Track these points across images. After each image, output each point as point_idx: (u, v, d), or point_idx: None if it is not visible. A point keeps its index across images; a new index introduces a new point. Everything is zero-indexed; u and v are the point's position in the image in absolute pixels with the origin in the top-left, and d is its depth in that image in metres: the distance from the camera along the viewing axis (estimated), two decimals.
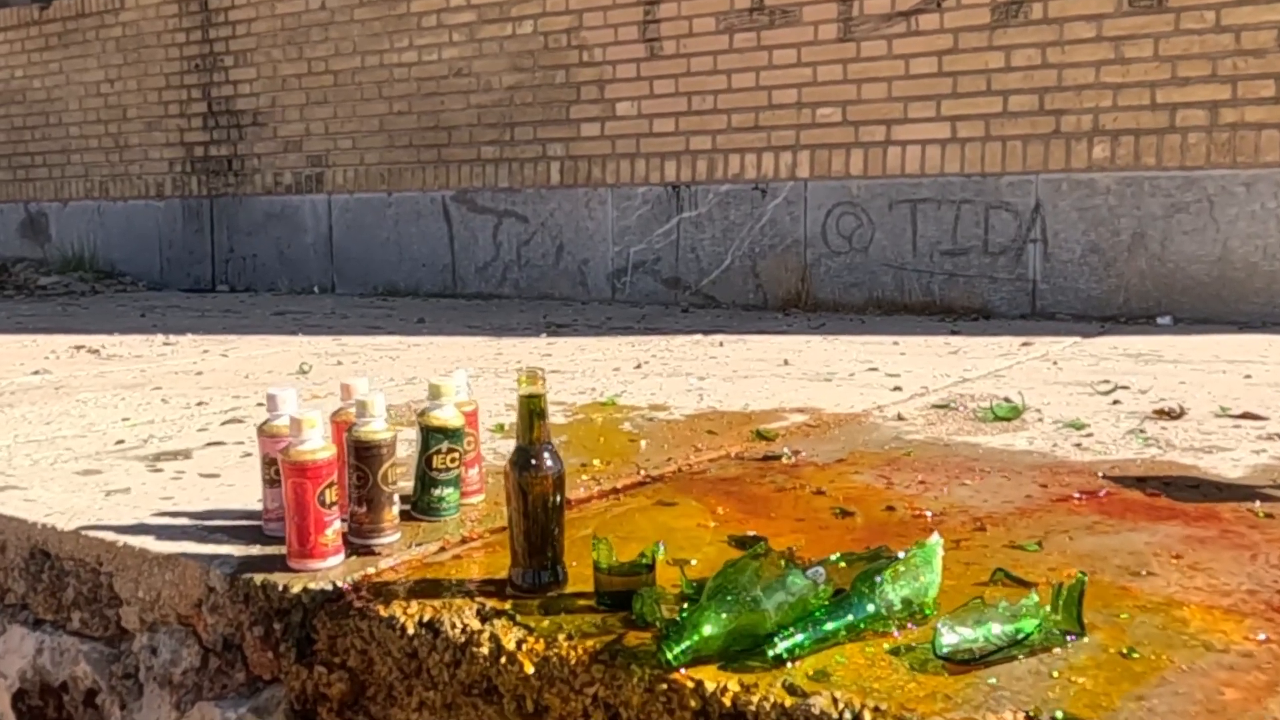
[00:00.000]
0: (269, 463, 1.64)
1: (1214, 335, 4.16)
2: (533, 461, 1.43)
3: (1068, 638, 1.23)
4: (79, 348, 4.16)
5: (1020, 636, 1.20)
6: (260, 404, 2.86)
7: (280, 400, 1.65)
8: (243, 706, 1.53)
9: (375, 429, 1.61)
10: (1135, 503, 1.81)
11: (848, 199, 5.39)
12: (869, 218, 5.33)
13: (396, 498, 1.64)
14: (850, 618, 1.25)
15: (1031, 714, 1.07)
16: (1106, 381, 3.08)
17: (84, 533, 1.70)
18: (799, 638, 1.20)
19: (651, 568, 1.38)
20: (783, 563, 1.26)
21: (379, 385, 3.13)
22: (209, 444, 2.34)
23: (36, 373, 3.49)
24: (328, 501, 1.49)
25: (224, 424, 2.58)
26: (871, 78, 5.26)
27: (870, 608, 1.26)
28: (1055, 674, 1.15)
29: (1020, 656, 1.19)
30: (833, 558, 1.38)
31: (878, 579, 1.28)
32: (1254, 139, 4.45)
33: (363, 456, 1.60)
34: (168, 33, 7.79)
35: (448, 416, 1.72)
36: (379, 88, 6.84)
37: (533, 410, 1.43)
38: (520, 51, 6.28)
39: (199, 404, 2.87)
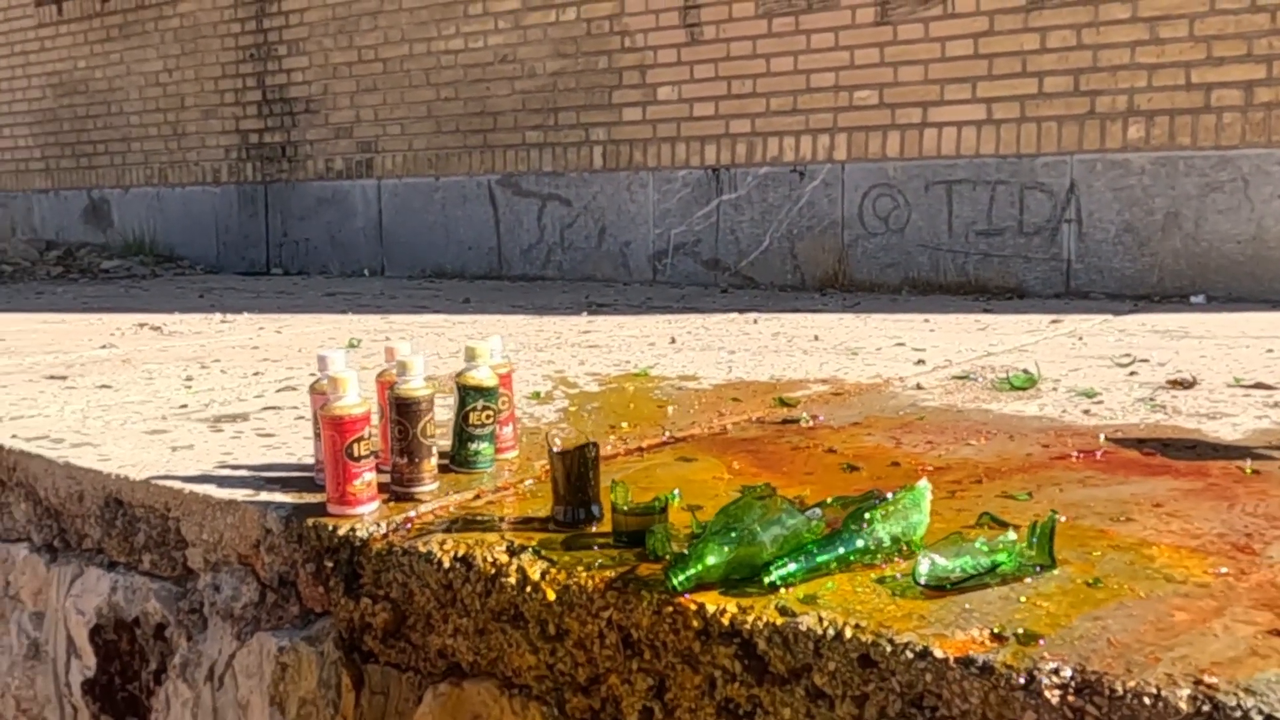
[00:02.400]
0: (316, 418, 1.79)
1: (1246, 313, 4.21)
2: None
3: (1040, 570, 1.34)
4: (142, 325, 4.37)
5: (994, 567, 1.32)
6: (313, 374, 3.03)
7: (329, 361, 1.79)
8: (297, 635, 1.69)
9: (414, 386, 1.76)
10: (1130, 461, 1.91)
11: (884, 180, 5.47)
12: (905, 199, 5.41)
13: (435, 450, 1.78)
14: (841, 550, 1.38)
15: (996, 631, 1.19)
16: (1128, 355, 3.16)
17: (154, 482, 1.87)
18: (791, 566, 1.33)
19: (665, 509, 1.52)
20: (780, 501, 1.39)
21: (425, 359, 3.29)
22: (265, 408, 2.51)
23: (104, 347, 3.70)
24: (356, 454, 1.64)
25: (279, 391, 2.75)
26: (908, 60, 5.34)
27: (860, 542, 1.39)
28: (1023, 599, 1.27)
29: (993, 585, 1.31)
30: (829, 500, 1.51)
31: (866, 516, 1.40)
32: None
33: (403, 412, 1.75)
34: (223, 23, 8.01)
35: (483, 376, 1.86)
36: (427, 75, 7.01)
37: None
38: (564, 38, 6.41)
39: (255, 374, 3.04)
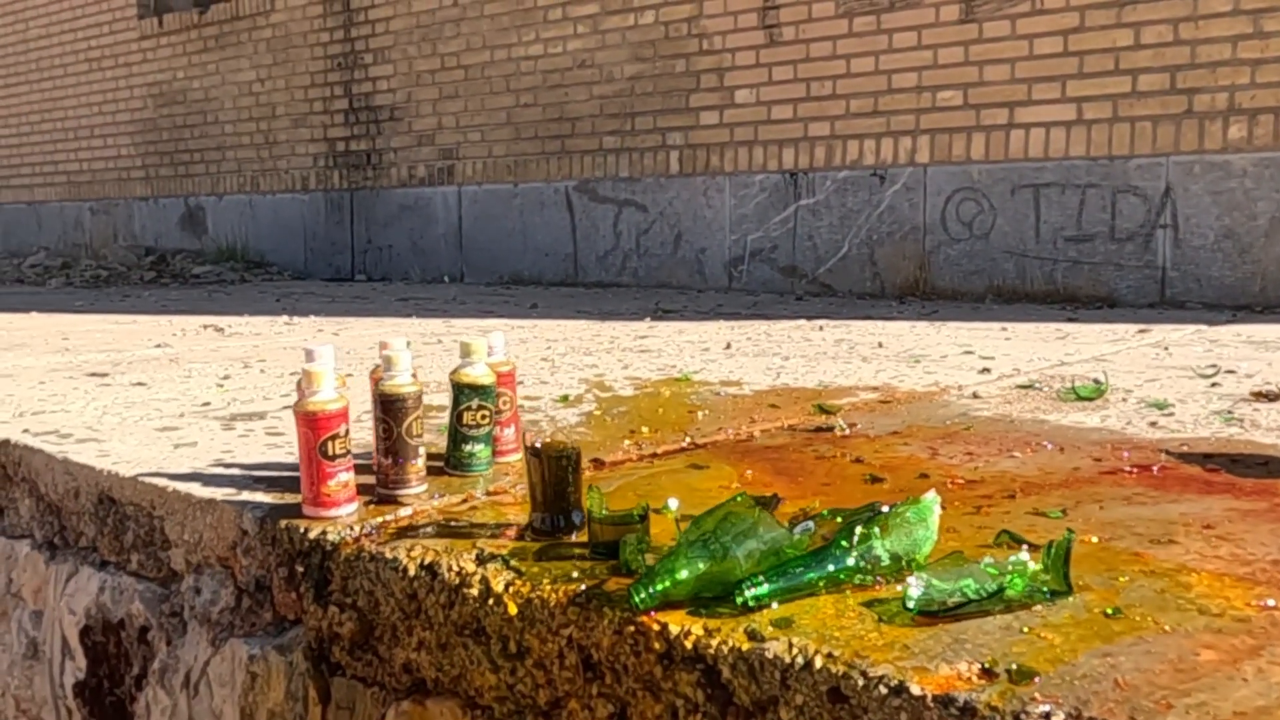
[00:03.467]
0: None
1: None
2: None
3: (1053, 596, 1.18)
4: (206, 326, 4.39)
5: (999, 591, 1.16)
6: (350, 374, 2.97)
7: (316, 354, 1.70)
8: (268, 644, 1.60)
9: (400, 382, 1.66)
10: (1189, 477, 1.72)
11: (968, 184, 5.24)
12: (990, 203, 5.18)
13: (422, 450, 1.68)
14: (830, 568, 1.23)
15: (987, 665, 1.03)
16: (1214, 366, 2.92)
17: (141, 479, 1.80)
18: (766, 586, 1.19)
19: (644, 518, 1.39)
20: (757, 512, 1.25)
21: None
22: (285, 408, 2.44)
23: (158, 346, 3.70)
24: (330, 453, 1.54)
25: None
26: (994, 59, 5.11)
27: (851, 560, 1.24)
28: (1025, 629, 1.11)
29: (996, 612, 1.15)
30: (824, 513, 1.36)
31: (859, 531, 1.25)
32: None
33: (388, 409, 1.65)
34: (313, 32, 8.12)
35: (478, 374, 1.76)
36: (507, 81, 6.99)
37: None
38: (641, 41, 6.32)
39: (292, 374, 2.99)
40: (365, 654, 1.49)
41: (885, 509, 1.30)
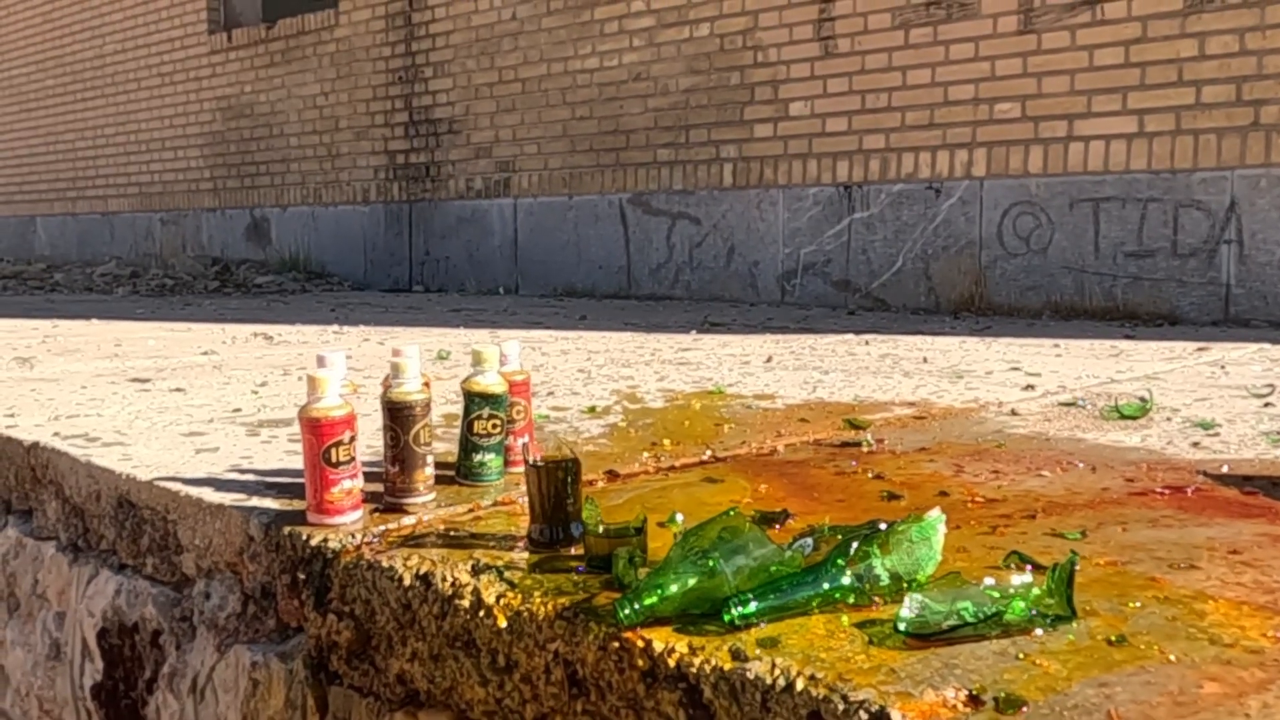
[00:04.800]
0: None
1: None
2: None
3: (1055, 622, 1.12)
4: (256, 334, 4.44)
5: (994, 614, 1.11)
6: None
7: (327, 360, 1.70)
8: (270, 651, 1.59)
9: (408, 390, 1.64)
10: (1224, 500, 1.64)
11: (1026, 198, 5.14)
12: (1048, 217, 5.07)
13: (430, 459, 1.66)
14: (824, 587, 1.19)
15: (974, 692, 0.98)
16: (1270, 386, 2.82)
17: (157, 483, 1.81)
18: (754, 605, 1.15)
19: (640, 531, 1.36)
20: (748, 527, 1.21)
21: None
22: None
23: (205, 353, 3.75)
24: (334, 460, 1.53)
25: None
26: (1053, 70, 5.01)
27: (846, 579, 1.19)
28: (1021, 656, 1.05)
29: (993, 636, 1.10)
30: (825, 530, 1.32)
31: (857, 549, 1.21)
32: None
33: (395, 417, 1.63)
34: (375, 47, 8.23)
35: (489, 383, 1.74)
36: (563, 94, 7.01)
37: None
38: (697, 54, 6.30)
39: None
40: (362, 663, 1.48)
41: (884, 526, 1.26)
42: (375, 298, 7.23)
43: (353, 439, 1.58)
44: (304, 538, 1.54)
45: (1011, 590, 1.15)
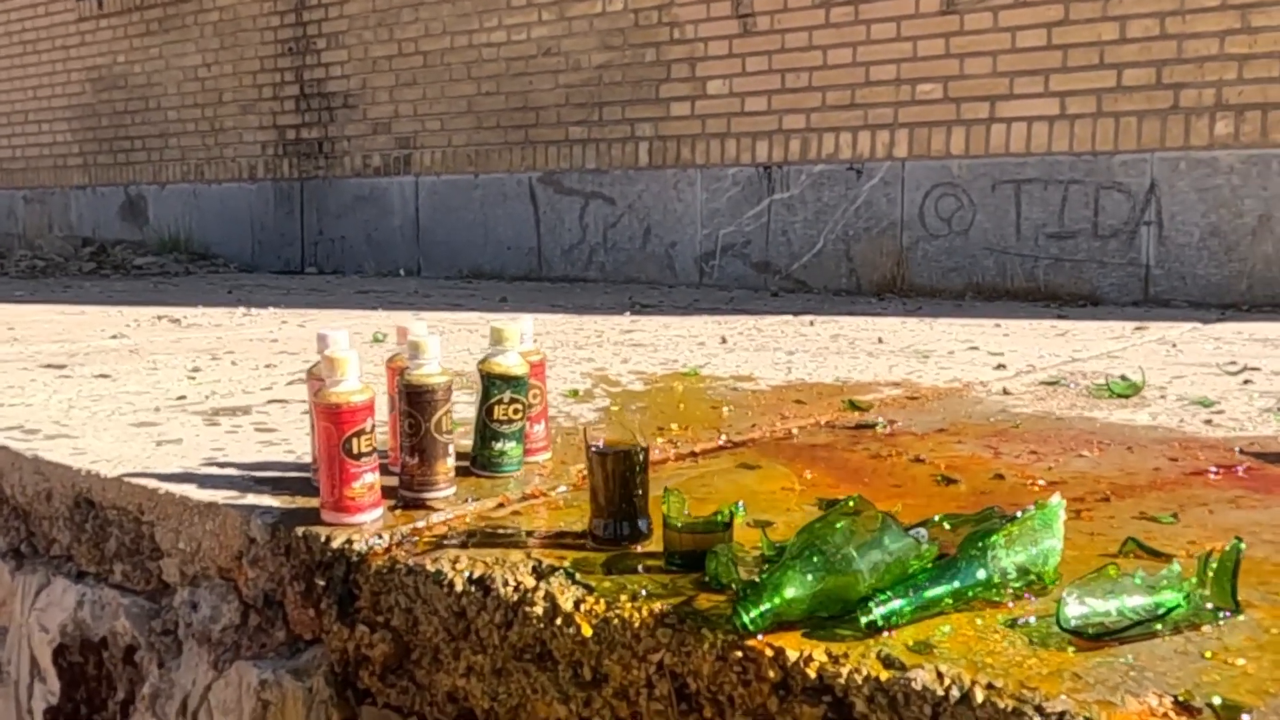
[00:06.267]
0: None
1: None
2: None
3: (1221, 615, 1.04)
4: (161, 317, 4.14)
5: (1161, 611, 1.02)
6: None
7: (330, 340, 1.52)
8: (281, 667, 1.41)
9: (428, 372, 1.48)
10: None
11: (948, 179, 5.14)
12: (970, 199, 5.09)
13: (451, 449, 1.50)
14: (957, 584, 1.08)
15: (1181, 699, 0.89)
16: (1234, 363, 2.83)
17: (126, 480, 1.60)
18: (898, 603, 1.03)
19: (728, 525, 1.23)
20: (880, 518, 1.09)
21: (451, 355, 3.02)
22: (271, 401, 2.24)
23: (115, 337, 3.46)
24: (355, 451, 1.36)
25: (289, 384, 2.48)
26: (975, 52, 5.02)
27: (981, 573, 1.09)
28: (1208, 654, 0.96)
29: (1164, 634, 1.00)
30: (936, 518, 1.21)
31: (989, 541, 1.10)
32: None
33: (414, 402, 1.47)
34: (262, 16, 7.83)
35: (510, 364, 1.58)
36: (468, 68, 6.77)
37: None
38: (610, 29, 6.15)
39: (268, 366, 2.79)
40: (400, 679, 1.31)
41: (1007, 515, 1.15)
42: (270, 279, 6.89)
43: (374, 427, 1.41)
44: (323, 539, 1.37)
45: (1164, 582, 1.06)
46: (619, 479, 1.29)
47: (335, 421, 1.37)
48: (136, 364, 2.82)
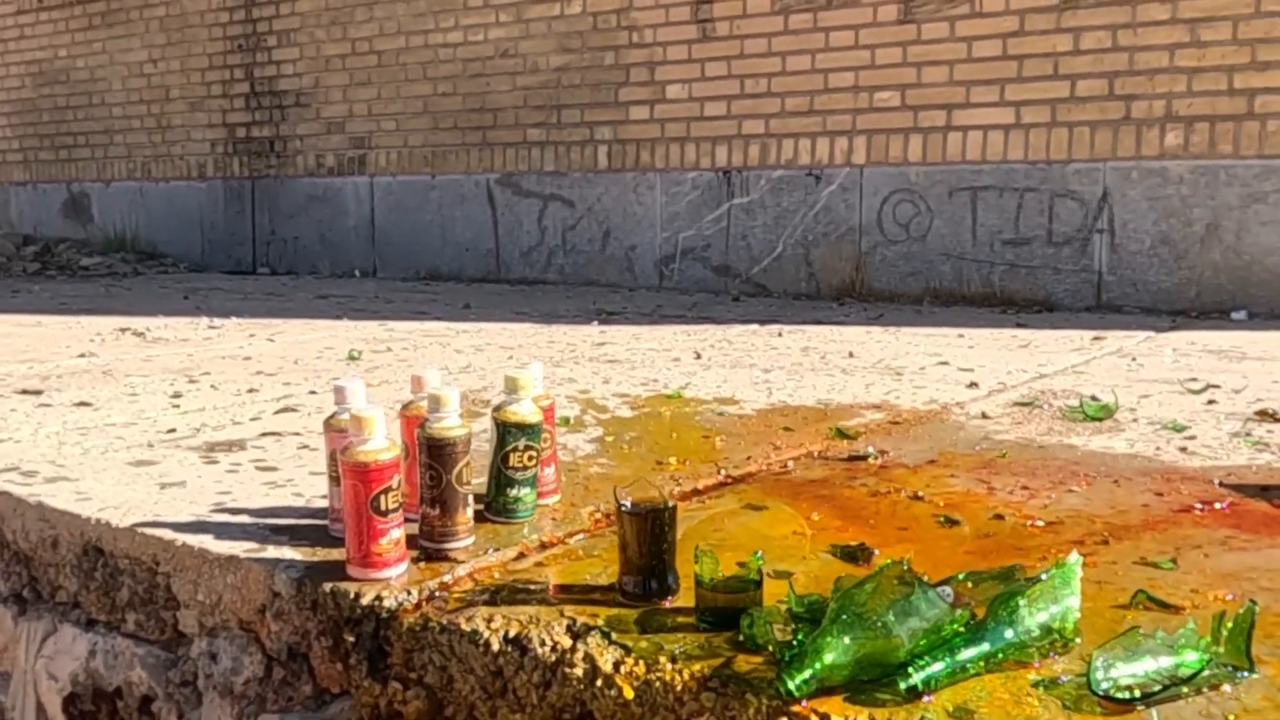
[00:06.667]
0: (333, 459, 1.53)
1: None
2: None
3: (1236, 674, 1.10)
4: (124, 330, 4.09)
5: (1185, 674, 1.07)
6: (313, 391, 2.78)
7: (348, 393, 1.54)
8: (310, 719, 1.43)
9: (449, 425, 1.50)
10: (1265, 515, 1.67)
11: (905, 186, 5.23)
12: (927, 205, 5.18)
13: (470, 498, 1.53)
14: (987, 646, 1.13)
15: None
16: (1195, 380, 2.93)
17: (140, 530, 1.60)
18: (936, 667, 1.08)
19: (759, 584, 1.27)
20: (915, 583, 1.14)
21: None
22: (264, 434, 2.24)
23: (83, 355, 3.42)
24: (384, 508, 1.38)
25: (277, 413, 2.48)
26: (932, 60, 5.10)
27: (1009, 634, 1.14)
28: (1230, 717, 1.02)
29: (1188, 695, 1.06)
30: (960, 576, 1.26)
31: (1015, 602, 1.15)
32: None
33: (436, 455, 1.49)
34: (211, 12, 7.71)
35: (526, 412, 1.61)
36: (424, 69, 6.74)
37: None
38: (568, 32, 6.15)
39: (250, 390, 2.77)
40: None
41: (1043, 576, 1.20)
42: (222, 281, 6.81)
43: (400, 484, 1.43)
44: (352, 596, 1.39)
45: (1182, 641, 1.12)
46: (649, 537, 1.32)
47: (363, 480, 1.39)
48: (114, 389, 2.79)
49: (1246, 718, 1.02)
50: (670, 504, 1.34)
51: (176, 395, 2.70)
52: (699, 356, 3.40)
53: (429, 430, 1.50)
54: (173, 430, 2.27)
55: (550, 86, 6.24)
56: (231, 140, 7.76)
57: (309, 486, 1.82)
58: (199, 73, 7.85)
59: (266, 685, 1.48)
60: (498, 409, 1.62)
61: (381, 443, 1.41)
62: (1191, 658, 1.10)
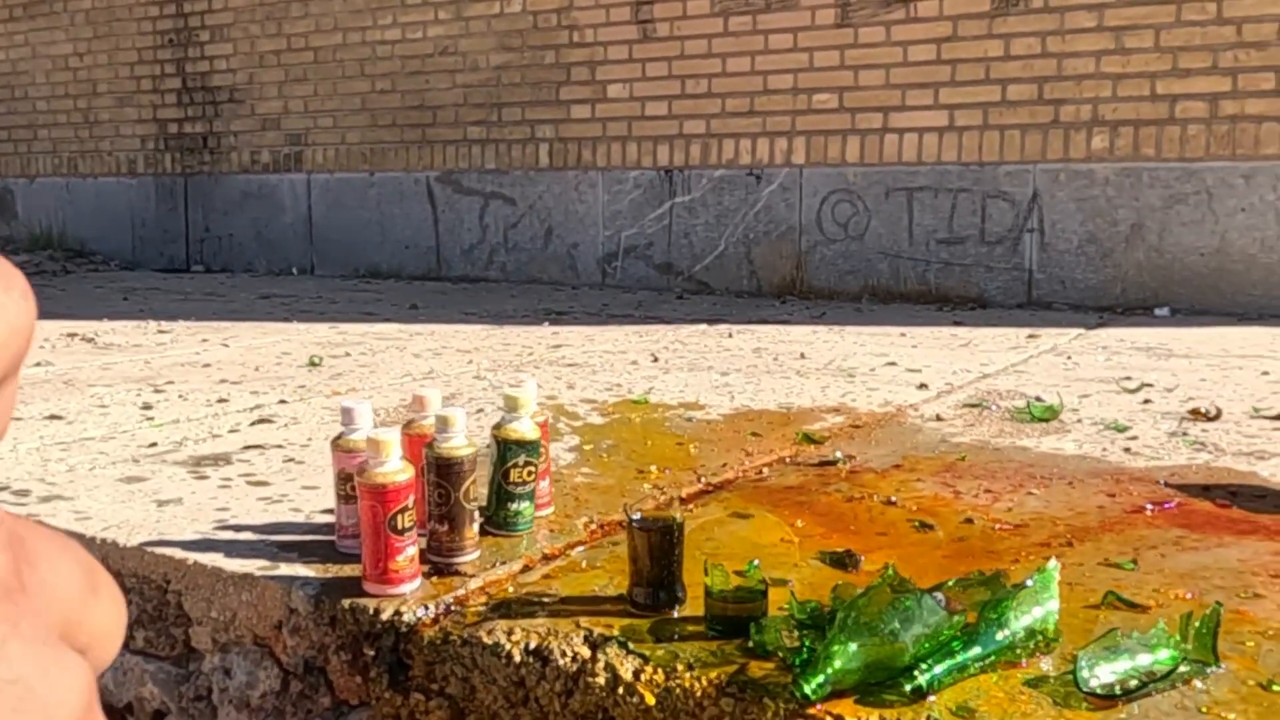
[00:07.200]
0: (344, 478, 1.59)
1: (1215, 328, 4.20)
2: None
3: (1205, 669, 1.22)
4: (73, 335, 4.06)
5: (1161, 671, 1.19)
6: (283, 400, 2.81)
7: (356, 414, 1.60)
8: None
9: (457, 445, 1.56)
10: (1210, 515, 1.81)
11: (844, 186, 5.37)
12: (865, 205, 5.32)
13: (476, 514, 1.60)
14: (980, 649, 1.23)
15: None
16: (1129, 378, 3.09)
17: (149, 549, 1.65)
18: (939, 670, 1.18)
19: (765, 593, 1.36)
20: (914, 592, 1.24)
21: (395, 382, 3.08)
22: (246, 447, 2.28)
23: (38, 364, 3.40)
24: (400, 527, 1.44)
25: (253, 424, 2.51)
26: (869, 64, 5.24)
27: (1001, 637, 1.24)
28: (1203, 710, 1.14)
29: (1161, 690, 1.18)
30: (950, 583, 1.36)
31: (1004, 606, 1.26)
32: (1254, 131, 4.48)
33: (444, 474, 1.55)
34: (140, 6, 7.59)
35: (525, 429, 1.68)
36: (361, 65, 6.72)
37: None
38: (508, 30, 6.18)
39: (220, 401, 2.80)
40: None
41: (1028, 582, 1.31)
42: (157, 279, 6.73)
43: (415, 503, 1.49)
44: (371, 611, 1.45)
45: (1155, 640, 1.23)
46: (660, 550, 1.40)
47: (381, 500, 1.45)
48: (81, 400, 2.79)
49: (1217, 709, 1.14)
50: (679, 519, 1.43)
51: (147, 406, 2.71)
52: (656, 359, 3.48)
53: (438, 450, 1.57)
54: (154, 445, 2.30)
55: (491, 85, 6.28)
56: (163, 136, 7.65)
57: (305, 502, 1.87)
58: (128, 67, 7.73)
59: (284, 698, 1.53)
60: (498, 427, 1.69)
61: (398, 464, 1.47)
62: (1165, 655, 1.21)
